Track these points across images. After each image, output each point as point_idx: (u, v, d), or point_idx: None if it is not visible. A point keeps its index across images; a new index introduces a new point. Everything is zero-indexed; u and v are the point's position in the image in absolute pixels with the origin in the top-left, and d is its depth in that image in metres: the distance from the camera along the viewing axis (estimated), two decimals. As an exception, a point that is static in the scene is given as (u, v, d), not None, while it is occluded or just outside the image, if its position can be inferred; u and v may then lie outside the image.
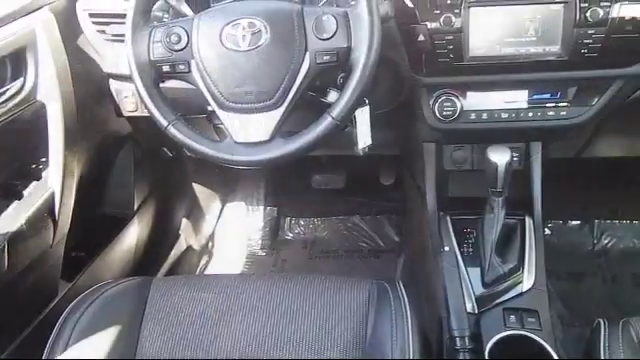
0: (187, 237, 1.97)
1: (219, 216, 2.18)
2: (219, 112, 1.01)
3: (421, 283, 1.43)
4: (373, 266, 1.97)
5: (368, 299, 1.05)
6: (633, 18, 1.06)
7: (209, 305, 1.05)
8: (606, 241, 1.93)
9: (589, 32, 1.07)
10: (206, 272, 1.99)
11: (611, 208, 1.96)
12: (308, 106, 1.06)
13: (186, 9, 1.10)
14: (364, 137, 1.12)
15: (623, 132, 1.42)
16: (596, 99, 1.18)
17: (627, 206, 1.96)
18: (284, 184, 2.20)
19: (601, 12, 1.05)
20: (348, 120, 1.01)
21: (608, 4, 1.05)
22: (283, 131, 1.00)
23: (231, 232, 2.15)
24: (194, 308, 1.05)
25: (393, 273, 1.89)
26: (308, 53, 0.97)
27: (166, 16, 1.15)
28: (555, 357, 1.07)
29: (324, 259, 2.04)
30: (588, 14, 1.05)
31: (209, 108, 1.02)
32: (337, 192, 2.10)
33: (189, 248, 1.98)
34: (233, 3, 1.03)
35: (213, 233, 2.13)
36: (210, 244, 2.11)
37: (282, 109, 0.98)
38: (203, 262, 2.05)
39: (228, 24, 0.97)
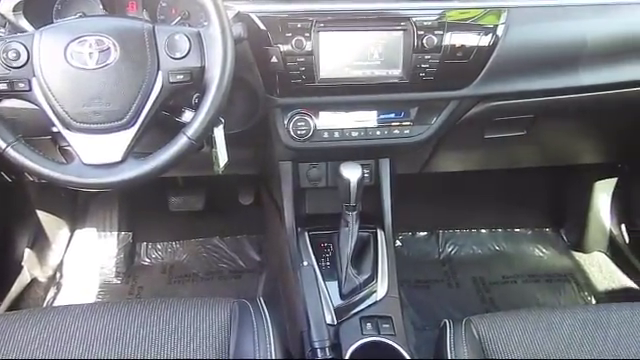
0: (31, 269, 1.82)
1: (68, 244, 2.03)
2: (65, 133, 0.95)
3: (282, 299, 1.45)
4: (235, 287, 1.96)
5: (230, 319, 1.04)
6: (462, 46, 1.17)
7: (58, 340, 0.98)
8: (450, 249, 2.10)
9: (426, 57, 1.17)
10: (54, 305, 1.85)
11: (453, 219, 2.14)
12: (162, 126, 1.04)
13: (25, 24, 1.04)
14: (222, 157, 1.13)
15: (459, 148, 1.56)
16: (435, 118, 1.29)
17: (466, 216, 2.14)
18: (139, 207, 2.12)
19: (435, 39, 1.15)
20: (204, 139, 1.01)
21: (441, 32, 1.16)
22: (136, 152, 0.97)
23: (82, 261, 2.02)
24: (40, 345, 0.97)
25: (255, 292, 1.89)
26: (161, 72, 0.95)
27: (2, 31, 1.07)
28: (408, 358, 1.14)
29: (183, 283, 1.98)
30: (424, 41, 1.15)
31: (54, 129, 0.96)
32: (195, 214, 2.06)
33: (34, 281, 1.83)
34: (79, 19, 0.99)
35: (61, 263, 1.98)
36: (58, 275, 1.96)
37: (134, 129, 0.96)
38: (51, 295, 1.90)
39: (73, 41, 0.93)
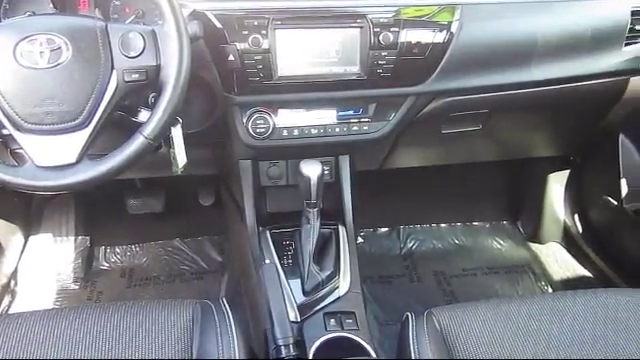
0: (-17, 277, 1.76)
1: (22, 251, 1.97)
2: (16, 135, 0.93)
3: (245, 298, 1.44)
4: (197, 288, 1.94)
5: (192, 320, 1.03)
6: (418, 42, 1.19)
7: (14, 347, 0.95)
8: (411, 244, 2.12)
9: (383, 54, 1.18)
10: (9, 313, 1.79)
11: (413, 214, 2.17)
12: (118, 126, 1.02)
13: None
14: (180, 157, 1.11)
15: (417, 144, 1.58)
16: (393, 114, 1.30)
17: (426, 211, 2.18)
18: (96, 211, 2.07)
19: (391, 36, 1.17)
20: (161, 139, 1.00)
21: (397, 29, 1.17)
22: (91, 153, 0.95)
23: (37, 267, 1.96)
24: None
25: (218, 293, 1.88)
26: (115, 71, 0.94)
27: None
28: (372, 353, 1.16)
29: (144, 287, 1.95)
30: (381, 38, 1.16)
31: (4, 131, 0.93)
32: (155, 216, 2.03)
33: (-14, 289, 1.77)
34: (28, 18, 0.96)
35: (16, 270, 1.92)
36: (13, 283, 1.90)
37: (89, 130, 0.94)
38: (5, 303, 1.84)
39: (23, 40, 0.90)
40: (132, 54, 0.94)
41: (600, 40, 1.33)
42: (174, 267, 2.02)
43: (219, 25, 1.12)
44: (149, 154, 0.98)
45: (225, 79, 1.18)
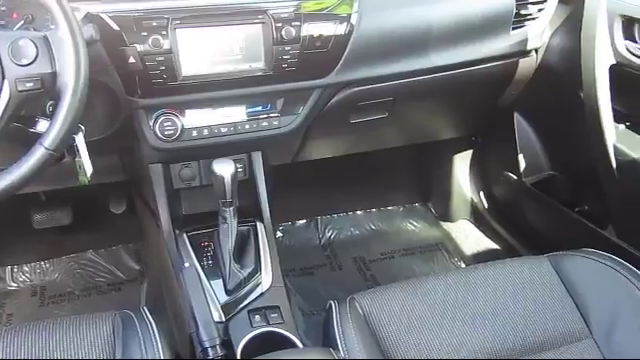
0: None
1: None
2: None
3: (168, 304, 1.42)
4: (116, 299, 1.88)
5: (113, 332, 1.00)
6: (320, 35, 1.21)
7: None
8: (329, 234, 2.16)
9: (286, 49, 1.19)
10: None
11: (330, 204, 2.20)
12: (16, 139, 0.97)
13: None
14: (87, 166, 1.07)
15: (327, 135, 1.61)
16: (301, 108, 1.32)
17: (342, 200, 2.22)
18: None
19: (294, 31, 1.18)
20: (63, 149, 0.96)
21: (298, 24, 1.18)
22: (-12, 168, 0.90)
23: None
24: None
25: (138, 302, 1.83)
26: (7, 81, 0.89)
27: None
28: (298, 344, 1.17)
29: (59, 303, 1.86)
30: (283, 33, 1.17)
31: None
32: (64, 229, 1.94)
33: None
34: None
35: None
36: None
37: (-18, 144, 0.88)
38: None
39: None
40: (24, 62, 0.89)
41: (490, 25, 1.40)
42: (89, 280, 1.94)
43: (116, 27, 1.08)
44: (51, 165, 0.94)
45: (127, 82, 1.14)
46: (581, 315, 1.12)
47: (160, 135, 1.22)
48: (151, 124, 1.21)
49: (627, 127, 1.38)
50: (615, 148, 1.33)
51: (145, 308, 1.07)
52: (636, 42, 1.27)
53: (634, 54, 1.26)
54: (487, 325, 1.09)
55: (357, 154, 1.80)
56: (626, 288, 1.12)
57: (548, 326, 1.10)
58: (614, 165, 1.35)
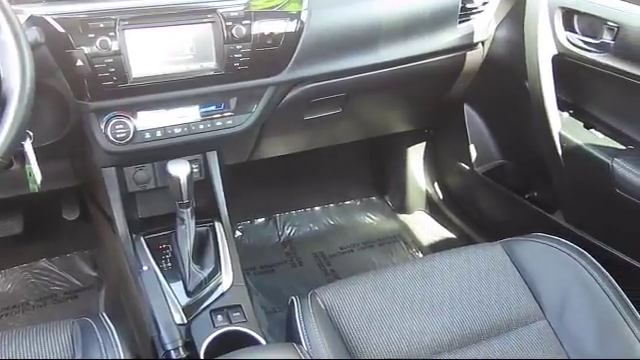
0: None
1: None
2: None
3: (128, 309, 1.40)
4: (73, 308, 1.83)
5: (72, 340, 0.99)
6: (271, 33, 1.21)
7: None
8: (288, 231, 2.16)
9: (237, 47, 1.19)
10: None
11: (288, 201, 2.21)
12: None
13: None
14: (37, 172, 1.05)
15: (282, 133, 1.61)
16: (255, 106, 1.32)
17: (300, 197, 2.23)
18: None
19: (244, 29, 1.17)
20: (11, 156, 0.93)
21: (249, 22, 1.18)
22: None
23: None
24: None
25: (97, 309, 1.79)
26: (-53, 89, 0.86)
27: None
28: (262, 341, 1.18)
29: (13, 315, 1.80)
30: (233, 31, 1.17)
31: None
32: (15, 238, 1.88)
33: None
34: None
35: None
36: None
37: None
38: None
39: None
40: (-35, 68, 0.87)
41: (437, 19, 1.44)
42: (44, 289, 1.88)
43: (62, 30, 1.06)
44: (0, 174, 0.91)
45: (75, 85, 1.12)
46: (534, 298, 1.16)
47: (112, 138, 1.20)
48: (102, 127, 1.19)
49: (571, 115, 1.44)
50: (560, 136, 1.39)
51: (104, 314, 1.06)
52: (576, 33, 1.32)
53: (574, 44, 1.32)
54: (446, 312, 1.12)
55: (313, 150, 1.81)
56: (575, 270, 1.16)
57: (504, 310, 1.14)
58: (560, 152, 1.40)
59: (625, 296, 1.11)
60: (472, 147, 1.81)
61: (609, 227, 1.42)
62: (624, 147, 1.32)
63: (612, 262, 1.25)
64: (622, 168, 1.26)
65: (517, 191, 1.71)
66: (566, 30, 1.33)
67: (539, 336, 1.11)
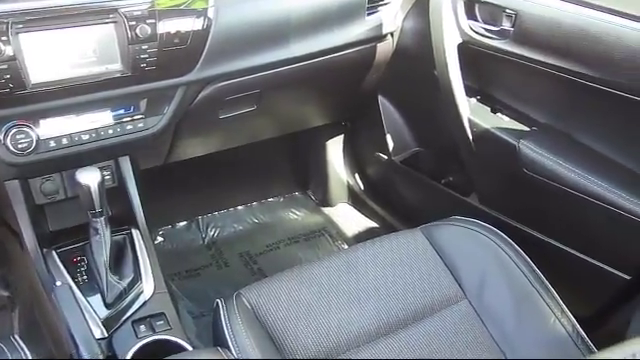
0: None
1: None
2: None
3: (44, 328, 1.32)
4: (-16, 332, 1.72)
5: (-19, 368, 0.93)
6: (178, 32, 1.18)
7: None
8: (212, 232, 2.13)
9: (143, 48, 1.15)
10: None
11: (210, 202, 2.17)
12: None
13: None
14: None
15: (198, 133, 1.58)
16: (166, 107, 1.28)
17: (222, 197, 2.19)
18: None
19: (149, 29, 1.14)
20: None
21: (154, 21, 1.14)
22: None
23: None
24: None
25: (10, 331, 1.69)
26: None
27: None
28: (188, 348, 1.15)
29: None
30: (138, 31, 1.13)
31: None
32: None
33: None
34: None
35: None
36: None
37: None
38: None
39: None
40: None
41: (345, 13, 1.45)
42: (-51, 316, 1.76)
43: (-53, 35, 0.99)
44: None
45: (-33, 95, 1.05)
46: (455, 279, 1.20)
47: (13, 149, 1.13)
48: (2, 138, 1.12)
49: (478, 100, 1.49)
50: (469, 121, 1.44)
51: (16, 336, 1.00)
52: (478, 21, 1.38)
53: (477, 32, 1.37)
54: (372, 301, 1.14)
55: (232, 149, 1.79)
56: (491, 249, 1.22)
57: (427, 293, 1.17)
58: (470, 137, 1.45)
59: (539, 271, 1.17)
60: (389, 137, 1.84)
61: (520, 206, 1.49)
62: (528, 129, 1.39)
63: (526, 240, 1.31)
64: (527, 149, 1.32)
65: (433, 177, 1.76)
66: (469, 19, 1.38)
67: (461, 316, 1.15)
